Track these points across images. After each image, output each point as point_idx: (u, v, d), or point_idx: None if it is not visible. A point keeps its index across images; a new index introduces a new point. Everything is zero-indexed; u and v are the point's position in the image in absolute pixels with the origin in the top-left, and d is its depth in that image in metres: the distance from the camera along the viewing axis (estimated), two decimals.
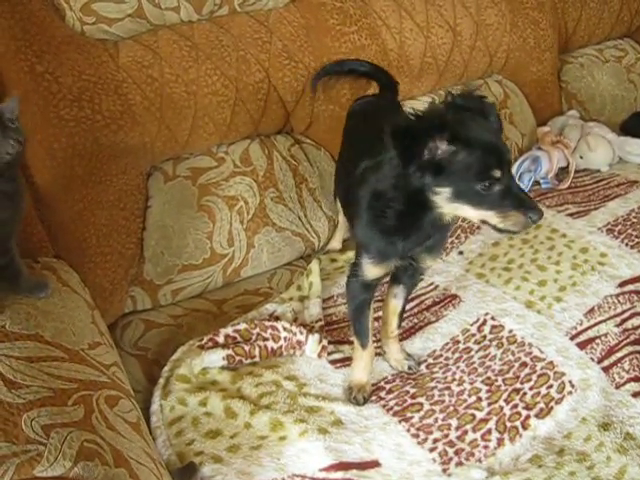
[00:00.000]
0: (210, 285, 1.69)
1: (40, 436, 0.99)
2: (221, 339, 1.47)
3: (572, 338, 1.48)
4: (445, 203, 1.13)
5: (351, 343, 1.46)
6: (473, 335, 1.50)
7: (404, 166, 1.10)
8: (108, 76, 1.54)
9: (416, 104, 1.97)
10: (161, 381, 1.38)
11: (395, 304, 1.42)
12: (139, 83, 1.57)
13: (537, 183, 2.06)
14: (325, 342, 1.46)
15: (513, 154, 2.07)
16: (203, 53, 1.64)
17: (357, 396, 1.37)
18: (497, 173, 1.09)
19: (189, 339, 1.49)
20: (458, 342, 1.49)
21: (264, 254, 1.73)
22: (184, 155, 1.69)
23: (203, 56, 1.64)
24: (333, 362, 1.46)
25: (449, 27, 1.99)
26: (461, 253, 1.77)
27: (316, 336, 1.47)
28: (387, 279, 1.41)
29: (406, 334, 1.52)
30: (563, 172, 2.09)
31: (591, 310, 1.55)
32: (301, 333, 1.47)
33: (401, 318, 1.44)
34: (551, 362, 1.43)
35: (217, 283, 1.70)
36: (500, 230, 1.14)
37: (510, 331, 1.50)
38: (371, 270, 1.29)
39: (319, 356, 1.46)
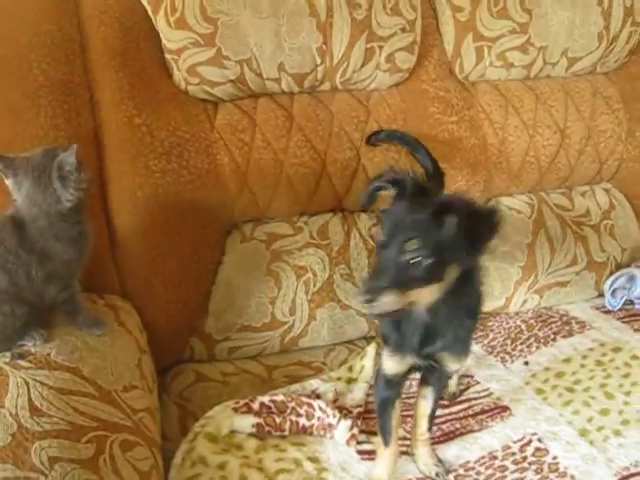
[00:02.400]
0: (267, 349, 1.71)
1: (44, 466, 1.04)
2: (256, 406, 1.47)
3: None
4: None
5: None
6: (513, 454, 1.40)
7: None
8: (201, 135, 1.61)
9: (514, 202, 1.95)
10: (190, 436, 1.40)
11: (424, 406, 1.36)
12: (230, 145, 1.63)
13: (630, 302, 1.95)
14: (356, 431, 1.43)
15: (610, 268, 1.99)
16: (297, 124, 1.69)
17: None
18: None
19: (231, 398, 1.50)
20: (495, 458, 1.40)
21: (324, 329, 1.73)
22: (265, 219, 1.73)
23: (297, 127, 1.69)
24: (361, 452, 1.41)
25: (557, 129, 1.94)
26: (526, 364, 1.68)
27: (348, 422, 1.44)
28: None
29: (444, 437, 1.46)
30: None
31: None
32: (334, 417, 1.45)
33: (431, 421, 1.38)
34: None
35: (274, 348, 1.72)
36: None
37: (554, 458, 1.39)
38: (390, 365, 1.26)
39: (347, 444, 1.42)
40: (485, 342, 1.78)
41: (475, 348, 1.74)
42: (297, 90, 1.72)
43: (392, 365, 1.26)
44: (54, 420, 1.13)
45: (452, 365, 1.26)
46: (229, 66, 1.60)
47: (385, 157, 1.75)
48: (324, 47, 1.65)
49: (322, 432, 1.45)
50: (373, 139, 1.74)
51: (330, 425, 1.44)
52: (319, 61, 1.66)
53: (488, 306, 1.89)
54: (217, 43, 1.57)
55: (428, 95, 1.81)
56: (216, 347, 1.68)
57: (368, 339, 1.79)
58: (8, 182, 1.24)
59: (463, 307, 1.20)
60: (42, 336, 1.29)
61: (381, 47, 1.71)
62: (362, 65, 1.71)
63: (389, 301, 1.05)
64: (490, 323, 1.86)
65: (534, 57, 1.90)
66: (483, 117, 1.88)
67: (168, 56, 1.60)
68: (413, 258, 1.05)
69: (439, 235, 1.05)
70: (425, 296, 1.10)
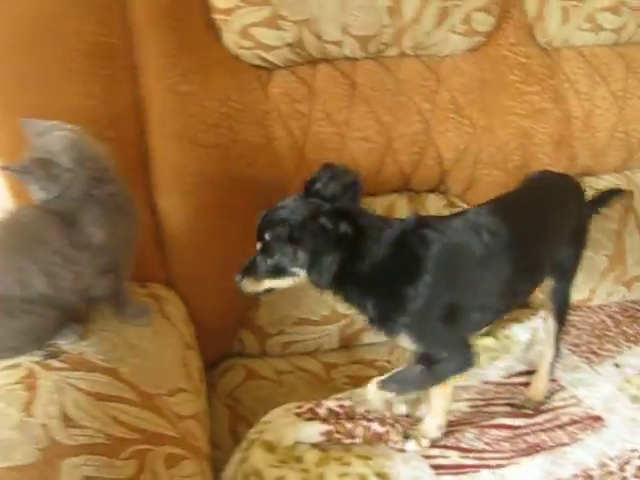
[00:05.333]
0: (324, 345, 1.55)
1: None
2: (323, 411, 1.31)
3: None
4: None
5: (462, 450, 1.26)
6: (611, 473, 1.23)
7: None
8: (254, 105, 1.44)
9: (599, 182, 1.75)
10: (244, 444, 1.24)
11: None
12: (285, 117, 1.46)
13: None
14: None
15: None
16: (361, 94, 1.51)
17: None
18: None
19: (286, 400, 1.35)
20: (591, 477, 1.22)
21: None
22: None
23: (360, 97, 1.51)
24: (435, 467, 1.24)
25: None
26: (617, 366, 1.49)
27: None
28: None
29: (530, 450, 1.28)
30: None
31: None
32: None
33: None
34: None
35: (332, 344, 1.56)
36: None
37: None
38: None
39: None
40: (568, 339, 1.58)
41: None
42: (360, 55, 1.53)
43: None
44: (90, 432, 0.98)
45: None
46: (286, 27, 1.42)
47: (459, 132, 1.57)
48: (394, 5, 1.46)
49: (396, 438, 1.28)
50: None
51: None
52: (387, 21, 1.47)
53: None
54: (272, 1, 1.40)
55: (507, 62, 1.61)
56: (269, 341, 1.52)
57: None
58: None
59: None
60: (77, 333, 1.13)
61: (457, 6, 1.51)
62: (435, 27, 1.52)
63: (248, 285, 1.20)
64: (571, 317, 1.66)
65: (626, 20, 1.69)
66: (567, 87, 1.68)
67: (217, 16, 1.43)
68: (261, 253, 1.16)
69: (283, 239, 1.12)
70: (280, 285, 1.20)
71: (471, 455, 1.26)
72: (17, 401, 1.00)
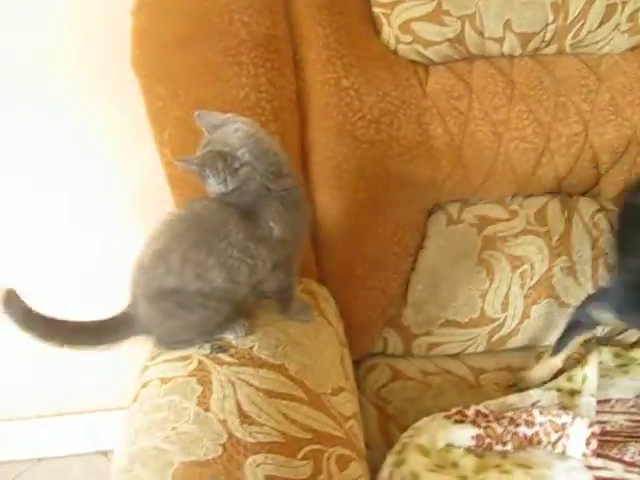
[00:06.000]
0: (470, 348, 1.52)
1: None
2: (471, 413, 1.29)
3: None
4: None
5: (626, 464, 1.20)
6: None
7: None
8: (413, 101, 1.41)
9: None
10: (397, 446, 1.23)
11: None
12: (443, 114, 1.42)
13: None
14: (594, 445, 1.22)
15: None
16: (519, 92, 1.46)
17: None
18: None
19: (436, 403, 1.35)
20: None
21: (538, 328, 1.51)
22: (472, 199, 1.52)
23: (518, 96, 1.46)
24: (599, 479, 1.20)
25: None
26: None
27: (586, 421, 1.24)
28: None
29: (623, 435, 1.24)
30: None
31: None
32: (567, 414, 1.25)
33: None
34: None
35: (478, 347, 1.52)
36: None
37: None
38: None
39: (587, 443, 1.22)
40: None
41: None
42: (518, 52, 1.48)
43: None
44: (266, 429, 0.97)
45: None
46: (449, 23, 1.38)
47: (618, 134, 1.50)
48: (559, 2, 1.40)
49: (552, 436, 1.24)
50: None
51: (564, 425, 1.24)
52: (551, 18, 1.41)
53: None
54: None
55: None
56: (414, 342, 1.50)
57: (585, 342, 1.56)
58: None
59: None
60: (244, 327, 1.14)
61: (624, 3, 1.43)
62: (600, 24, 1.45)
63: None
64: None
65: None
66: None
67: (377, 10, 1.39)
68: None
69: None
70: None
71: (636, 470, 1.20)
72: (193, 394, 1.01)
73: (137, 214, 1.44)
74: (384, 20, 1.40)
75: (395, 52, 1.43)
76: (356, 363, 1.47)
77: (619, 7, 1.44)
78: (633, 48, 1.53)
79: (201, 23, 1.30)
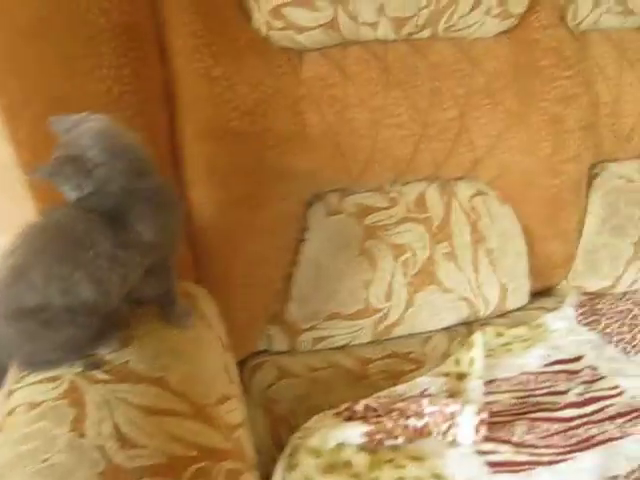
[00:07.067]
0: (355, 339, 1.49)
1: None
2: (360, 408, 1.26)
3: None
4: None
5: (515, 445, 1.22)
6: None
7: None
8: (287, 90, 1.36)
9: (623, 169, 1.72)
10: (287, 449, 1.19)
11: None
12: (319, 102, 1.38)
13: None
14: (484, 431, 1.22)
15: None
16: (394, 78, 1.43)
17: None
18: None
19: (325, 399, 1.31)
20: None
21: (422, 315, 1.51)
22: (352, 188, 1.49)
23: (394, 82, 1.43)
24: (491, 464, 1.19)
25: None
26: None
27: (473, 407, 1.24)
28: None
29: (582, 445, 1.23)
30: None
31: None
32: (455, 403, 1.25)
33: None
34: None
35: (364, 338, 1.50)
36: None
37: None
38: None
39: (477, 430, 1.22)
40: (599, 328, 1.55)
41: (590, 335, 1.53)
42: (392, 37, 1.45)
43: None
44: (147, 452, 0.90)
45: None
46: (321, 8, 1.33)
47: (492, 118, 1.51)
48: None
49: (442, 427, 1.23)
50: None
51: (452, 414, 1.23)
52: (424, 3, 1.39)
53: (593, 285, 1.69)
54: None
55: (539, 45, 1.54)
56: (299, 337, 1.46)
57: (468, 325, 1.57)
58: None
59: None
60: (119, 340, 1.06)
61: None
62: (471, 9, 1.44)
63: None
64: (599, 306, 1.63)
65: None
66: (597, 72, 1.63)
67: None
68: None
69: None
70: None
71: (524, 450, 1.22)
72: (65, 419, 0.92)
73: None
74: (254, 5, 1.33)
75: (267, 39, 1.36)
76: (241, 363, 1.42)
77: None
78: (504, 33, 1.54)
79: (56, 9, 1.19)
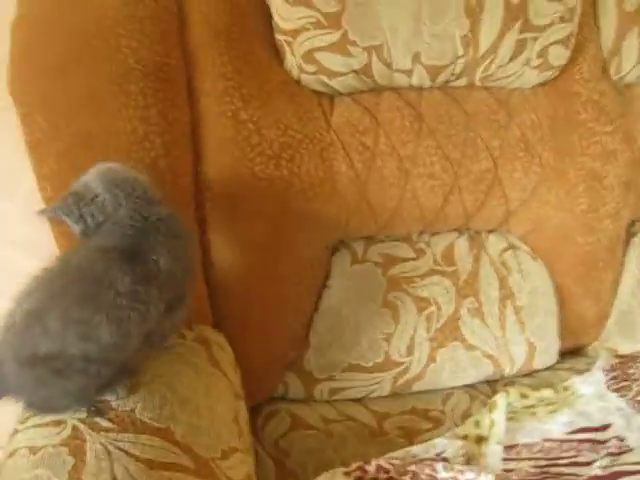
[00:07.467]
0: (374, 392, 1.45)
1: None
2: (372, 468, 1.22)
3: None
4: None
5: None
6: None
7: None
8: (316, 135, 1.34)
9: None
10: None
11: None
12: (349, 150, 1.35)
13: None
14: None
15: None
16: (427, 127, 1.40)
17: None
18: None
19: (337, 455, 1.27)
20: None
21: (444, 371, 1.46)
22: (379, 237, 1.46)
23: (426, 130, 1.40)
24: None
25: None
26: None
27: (488, 478, 1.17)
28: None
29: None
30: None
31: None
32: (471, 471, 1.19)
33: None
34: None
35: (383, 392, 1.46)
36: None
37: None
38: None
39: None
40: (630, 395, 1.48)
41: (619, 402, 1.46)
42: (428, 85, 1.43)
43: None
44: None
45: None
46: (355, 53, 1.31)
47: (527, 171, 1.46)
48: (469, 35, 1.36)
49: None
50: None
51: None
52: (461, 52, 1.37)
53: (626, 348, 1.62)
54: (343, 25, 1.29)
55: (580, 98, 1.50)
56: (316, 387, 1.42)
57: (491, 383, 1.52)
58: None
59: None
60: (125, 387, 1.03)
61: (535, 39, 1.41)
62: (510, 59, 1.41)
63: None
64: (631, 371, 1.57)
65: None
66: (639, 127, 1.57)
67: (281, 37, 1.32)
68: None
69: None
70: None
71: None
72: (63, 468, 0.90)
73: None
74: (287, 48, 1.32)
75: (298, 82, 1.35)
76: (255, 409, 1.40)
77: (529, 43, 1.41)
78: (543, 84, 1.51)
79: (85, 46, 1.19)
